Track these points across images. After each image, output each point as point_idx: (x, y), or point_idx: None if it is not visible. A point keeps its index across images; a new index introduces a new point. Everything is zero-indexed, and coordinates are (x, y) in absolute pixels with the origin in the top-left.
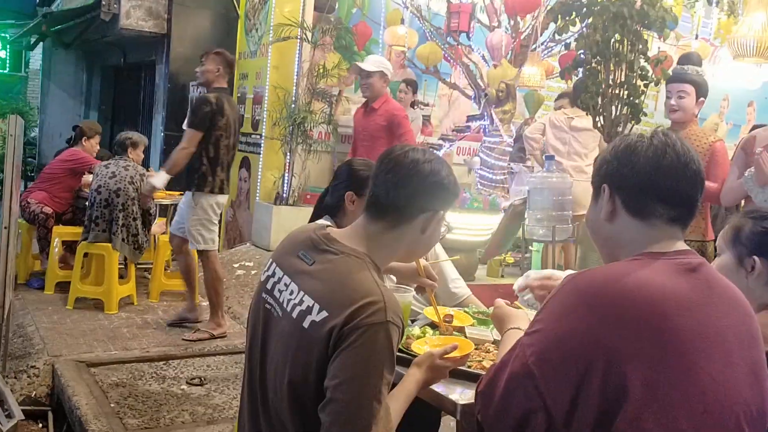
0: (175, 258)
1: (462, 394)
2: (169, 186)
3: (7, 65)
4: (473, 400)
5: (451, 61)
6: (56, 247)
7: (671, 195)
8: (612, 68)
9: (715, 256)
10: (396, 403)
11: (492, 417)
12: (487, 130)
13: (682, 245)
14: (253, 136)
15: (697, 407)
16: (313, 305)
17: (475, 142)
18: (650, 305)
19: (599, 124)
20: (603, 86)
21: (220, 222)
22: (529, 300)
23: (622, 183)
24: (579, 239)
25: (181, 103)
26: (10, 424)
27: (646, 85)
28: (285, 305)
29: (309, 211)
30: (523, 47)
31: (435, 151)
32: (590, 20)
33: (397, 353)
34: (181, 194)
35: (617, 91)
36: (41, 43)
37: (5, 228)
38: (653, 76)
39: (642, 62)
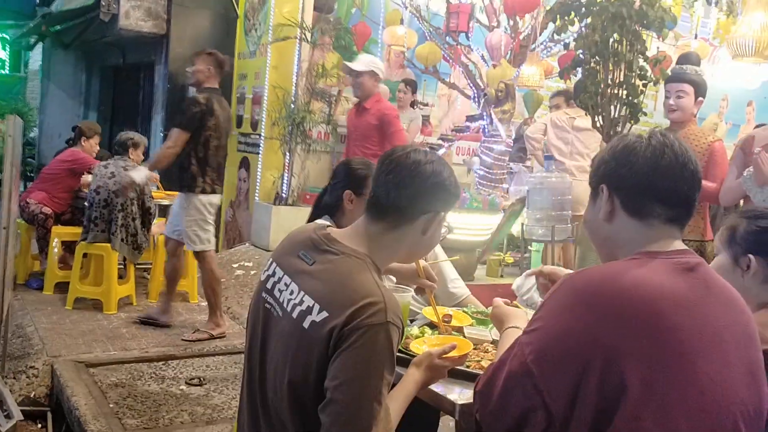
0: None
1: (461, 394)
2: (169, 186)
3: (7, 65)
4: (472, 400)
5: (451, 61)
6: (55, 248)
7: (669, 195)
8: (611, 68)
9: (714, 256)
10: (395, 403)
11: (490, 416)
12: (486, 130)
13: (680, 245)
14: (252, 136)
15: (694, 407)
16: (314, 305)
17: (475, 142)
18: (647, 304)
19: (598, 124)
20: (602, 86)
21: (218, 223)
22: (528, 299)
23: (621, 183)
24: (578, 239)
25: (180, 104)
26: (9, 425)
27: (645, 85)
28: (285, 305)
29: (308, 211)
30: (523, 47)
31: (434, 152)
32: (589, 20)
33: (396, 353)
34: None
35: (616, 91)
36: (40, 44)
37: (4, 228)
38: (652, 75)
39: (641, 62)
